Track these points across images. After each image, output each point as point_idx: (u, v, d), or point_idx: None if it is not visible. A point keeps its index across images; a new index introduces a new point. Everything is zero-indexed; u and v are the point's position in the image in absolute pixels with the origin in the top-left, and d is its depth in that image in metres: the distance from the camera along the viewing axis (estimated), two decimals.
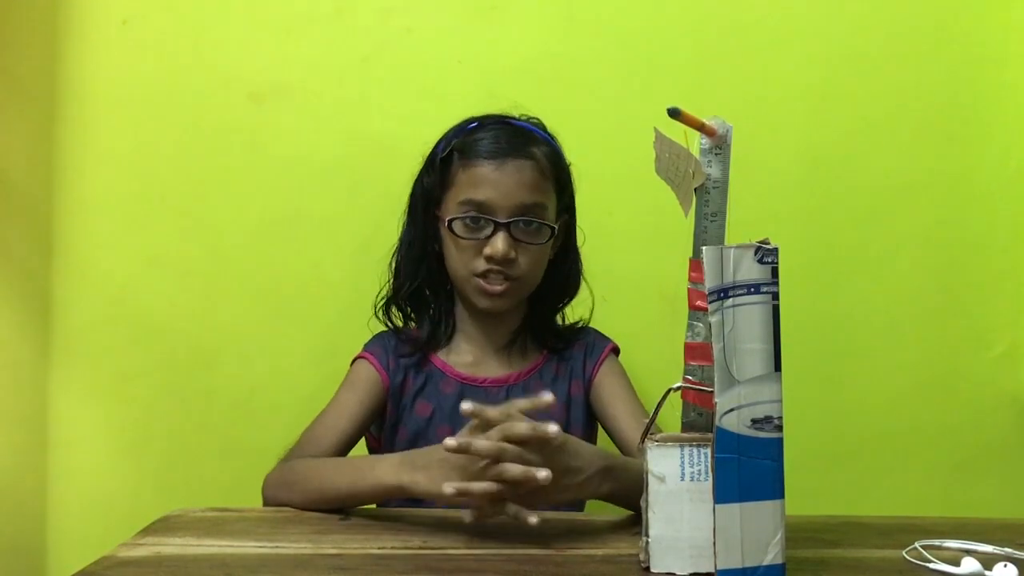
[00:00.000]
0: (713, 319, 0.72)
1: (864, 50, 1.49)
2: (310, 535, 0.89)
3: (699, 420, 0.82)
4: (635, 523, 0.94)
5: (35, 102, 1.42)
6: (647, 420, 1.12)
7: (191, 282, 1.44)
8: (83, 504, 1.41)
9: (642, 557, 0.79)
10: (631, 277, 1.31)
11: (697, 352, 0.81)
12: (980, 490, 1.49)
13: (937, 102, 1.50)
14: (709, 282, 0.73)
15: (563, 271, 1.21)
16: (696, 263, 0.82)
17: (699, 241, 0.83)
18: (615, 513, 0.99)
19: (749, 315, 0.73)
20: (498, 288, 1.11)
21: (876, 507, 1.32)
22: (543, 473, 0.83)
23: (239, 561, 0.81)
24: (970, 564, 0.80)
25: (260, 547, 0.85)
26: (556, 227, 1.14)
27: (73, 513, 1.41)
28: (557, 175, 1.15)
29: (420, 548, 0.86)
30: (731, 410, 0.72)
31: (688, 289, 0.83)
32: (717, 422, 0.72)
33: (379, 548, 0.86)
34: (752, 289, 0.73)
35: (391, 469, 0.92)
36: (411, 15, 1.46)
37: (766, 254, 0.74)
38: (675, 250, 1.45)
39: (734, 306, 0.73)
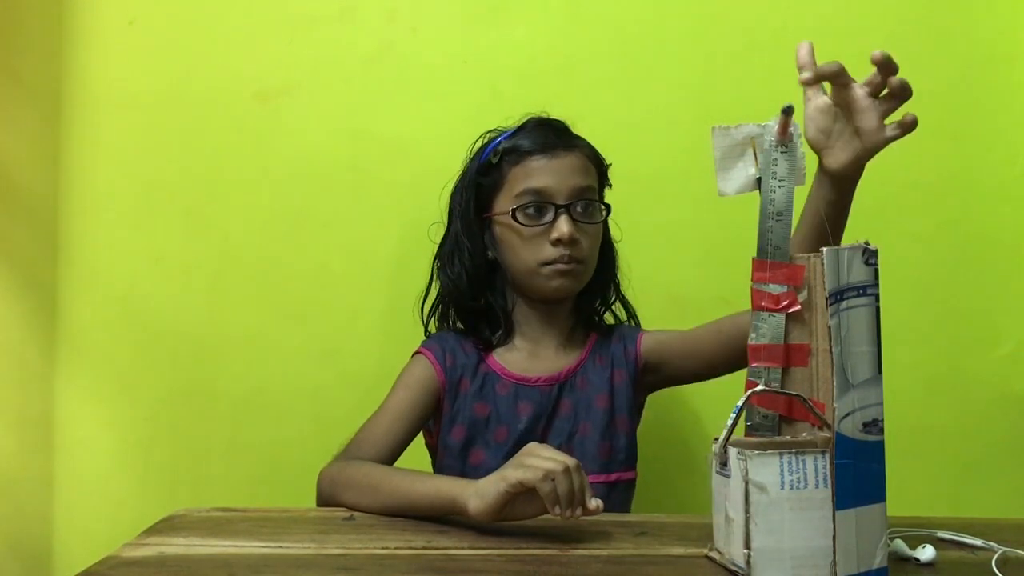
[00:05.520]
0: (832, 322, 0.72)
1: (869, 48, 1.47)
2: (314, 535, 0.89)
3: (764, 423, 0.81)
4: (638, 523, 0.94)
5: (41, 102, 1.42)
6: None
7: (197, 282, 1.44)
8: (89, 503, 1.42)
9: (738, 569, 0.76)
10: (636, 277, 1.30)
11: (762, 353, 0.81)
12: (988, 490, 1.48)
13: (943, 101, 1.48)
14: (829, 285, 0.72)
15: (604, 265, 1.24)
16: (760, 263, 0.81)
17: (764, 242, 0.82)
18: (618, 514, 0.98)
19: (858, 317, 0.73)
20: (568, 268, 1.15)
21: None
22: (594, 503, 0.86)
23: (243, 561, 0.81)
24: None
25: (264, 547, 0.85)
26: (607, 206, 1.20)
27: (79, 512, 1.42)
28: (598, 167, 1.21)
29: (424, 548, 0.86)
30: (847, 415, 0.72)
31: (752, 289, 0.82)
32: (836, 428, 0.71)
33: (383, 548, 0.86)
34: (861, 291, 0.73)
35: (452, 481, 0.94)
36: (416, 15, 1.46)
37: (870, 255, 0.73)
38: (682, 251, 1.47)
39: (848, 308, 0.72)
